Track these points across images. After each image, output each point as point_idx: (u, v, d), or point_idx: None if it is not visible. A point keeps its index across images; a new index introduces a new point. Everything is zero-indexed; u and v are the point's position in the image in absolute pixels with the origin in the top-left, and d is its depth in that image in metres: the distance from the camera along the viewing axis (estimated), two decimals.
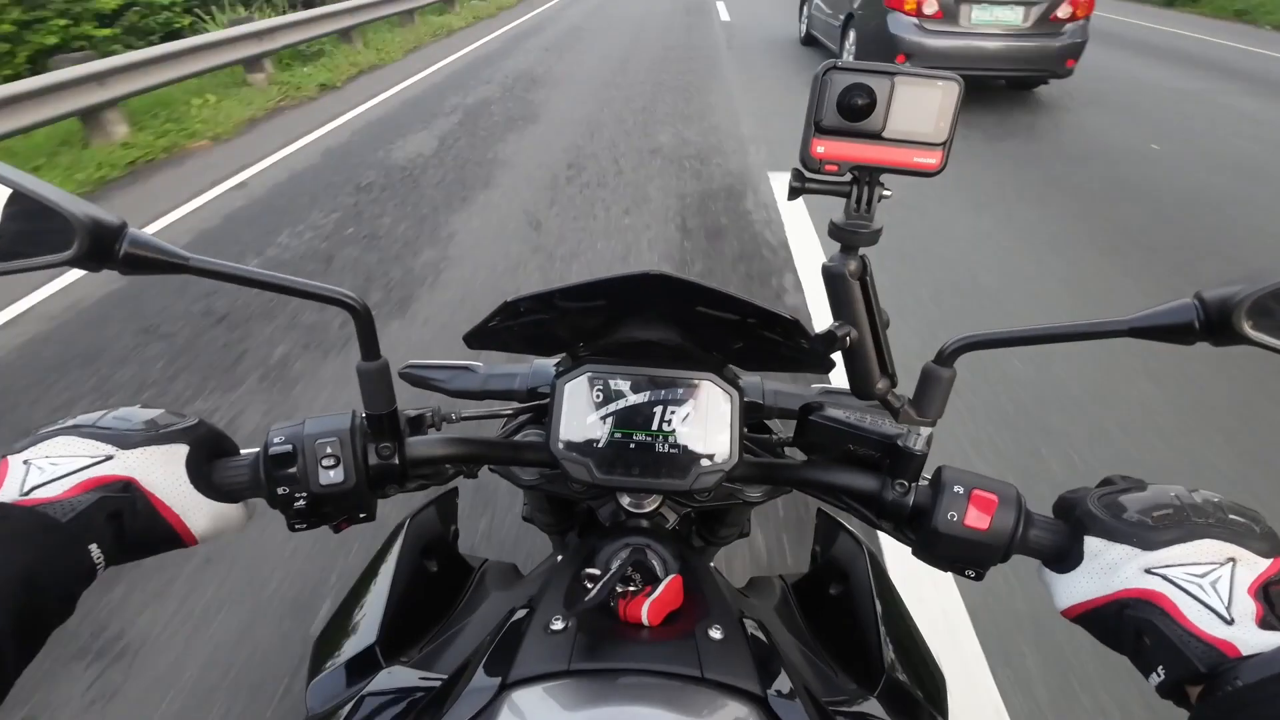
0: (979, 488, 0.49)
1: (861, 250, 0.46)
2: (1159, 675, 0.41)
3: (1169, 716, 0.45)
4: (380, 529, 0.75)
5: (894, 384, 0.50)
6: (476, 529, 1.83)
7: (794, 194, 0.46)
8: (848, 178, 0.45)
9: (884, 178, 0.45)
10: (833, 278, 0.47)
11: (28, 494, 0.42)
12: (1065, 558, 0.47)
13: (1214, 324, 0.38)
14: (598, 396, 0.54)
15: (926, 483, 0.52)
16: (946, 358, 0.47)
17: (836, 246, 0.47)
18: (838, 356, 0.51)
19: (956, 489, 0.49)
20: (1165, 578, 0.41)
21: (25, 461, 0.44)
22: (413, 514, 0.77)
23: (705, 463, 0.54)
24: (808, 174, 0.45)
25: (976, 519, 0.48)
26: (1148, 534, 0.43)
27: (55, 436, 0.46)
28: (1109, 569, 0.43)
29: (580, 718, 0.39)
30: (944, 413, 0.49)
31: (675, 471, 0.54)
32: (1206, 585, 0.40)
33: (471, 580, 0.76)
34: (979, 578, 0.51)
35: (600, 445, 0.54)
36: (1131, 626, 0.42)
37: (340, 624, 0.67)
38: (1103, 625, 0.45)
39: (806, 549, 0.91)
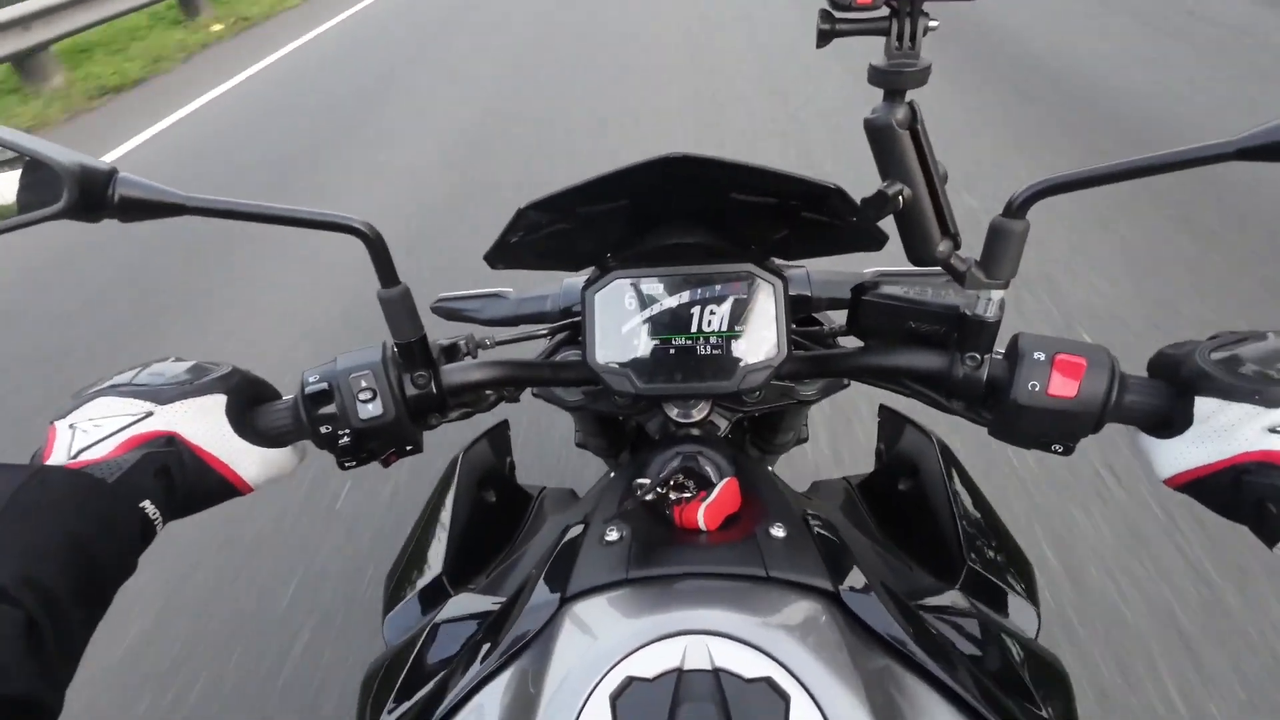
0: (1063, 351, 0.44)
1: (909, 95, 0.40)
2: None
3: None
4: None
5: (957, 245, 0.44)
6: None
7: (824, 39, 0.39)
8: (884, 11, 0.39)
9: (928, 6, 0.39)
10: (878, 131, 0.41)
11: (75, 457, 0.42)
12: (1169, 422, 0.42)
13: None
14: (630, 304, 0.51)
15: (1001, 354, 0.47)
16: (1017, 209, 0.41)
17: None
18: (891, 226, 0.46)
19: (1037, 355, 0.44)
20: None
21: (70, 426, 0.44)
22: (465, 448, 0.77)
23: (751, 361, 0.51)
24: (837, 13, 0.39)
25: (1062, 386, 0.43)
26: (1271, 389, 0.37)
27: (95, 398, 0.46)
28: (1225, 431, 0.38)
29: (643, 624, 0.37)
30: (1017, 271, 0.44)
31: (720, 373, 0.51)
32: None
33: (531, 508, 0.76)
34: (1068, 452, 0.46)
35: (639, 354, 0.51)
36: (1252, 494, 0.37)
37: (407, 559, 0.68)
38: (1215, 493, 0.40)
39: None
